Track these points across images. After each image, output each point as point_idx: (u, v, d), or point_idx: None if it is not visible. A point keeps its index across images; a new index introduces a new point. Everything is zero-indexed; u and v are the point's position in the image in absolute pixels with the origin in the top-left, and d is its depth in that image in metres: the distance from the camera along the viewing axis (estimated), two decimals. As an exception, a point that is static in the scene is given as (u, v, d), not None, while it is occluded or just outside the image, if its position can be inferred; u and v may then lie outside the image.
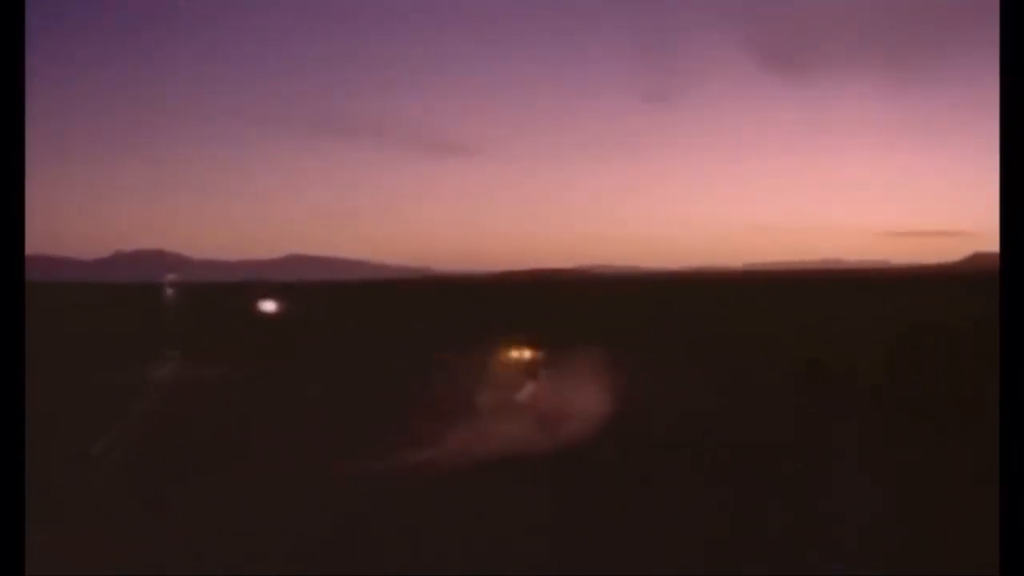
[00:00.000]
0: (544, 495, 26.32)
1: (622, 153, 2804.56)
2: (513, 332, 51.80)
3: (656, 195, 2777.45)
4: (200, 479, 28.28)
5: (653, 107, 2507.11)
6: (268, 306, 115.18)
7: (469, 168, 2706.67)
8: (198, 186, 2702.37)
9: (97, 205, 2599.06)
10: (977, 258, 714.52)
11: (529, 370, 40.24)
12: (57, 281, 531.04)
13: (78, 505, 25.50)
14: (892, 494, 25.48)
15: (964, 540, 20.70)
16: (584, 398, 38.44)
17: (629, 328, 76.36)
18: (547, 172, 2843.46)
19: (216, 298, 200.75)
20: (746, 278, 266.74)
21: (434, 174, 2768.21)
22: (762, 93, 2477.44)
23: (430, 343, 74.36)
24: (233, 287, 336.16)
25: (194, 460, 31.24)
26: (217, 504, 25.22)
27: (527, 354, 40.63)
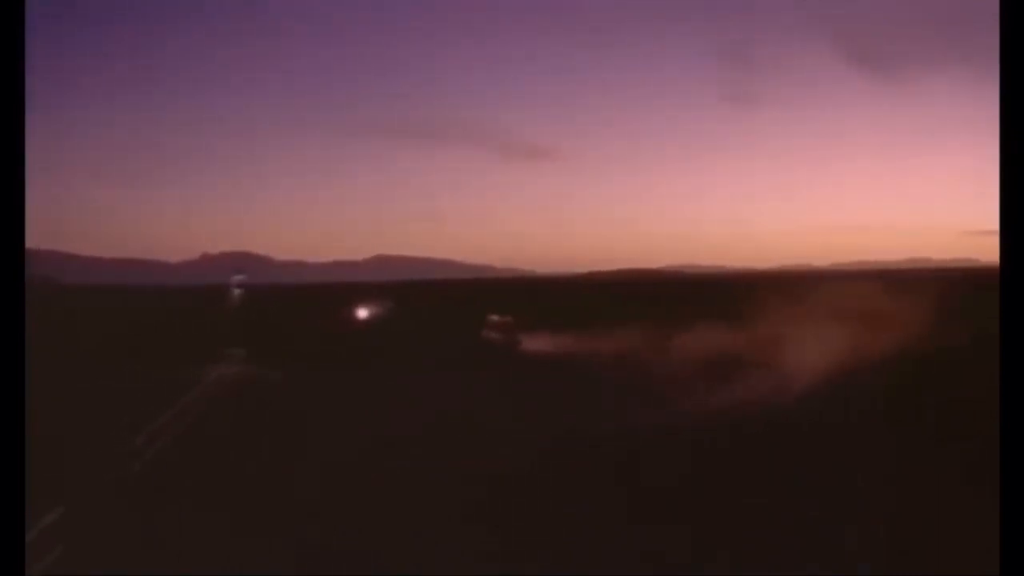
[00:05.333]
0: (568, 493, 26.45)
1: (706, 154, 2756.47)
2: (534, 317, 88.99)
3: (738, 195, 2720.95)
4: (238, 476, 28.58)
5: (733, 107, 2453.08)
6: (350, 308, 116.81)
7: (553, 170, 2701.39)
8: (284, 189, 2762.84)
9: (184, 208, 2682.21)
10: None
11: (500, 327, 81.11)
12: (143, 284, 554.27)
13: (114, 491, 26.37)
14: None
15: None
16: (529, 345, 75.64)
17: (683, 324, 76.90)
18: (629, 174, 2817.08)
19: (295, 300, 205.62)
20: (833, 277, 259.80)
21: (518, 177, 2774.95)
22: (845, 92, 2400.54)
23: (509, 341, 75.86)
24: (318, 288, 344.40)
25: (234, 457, 31.64)
26: (248, 501, 25.48)
27: (502, 319, 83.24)
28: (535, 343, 77.50)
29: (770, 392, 44.74)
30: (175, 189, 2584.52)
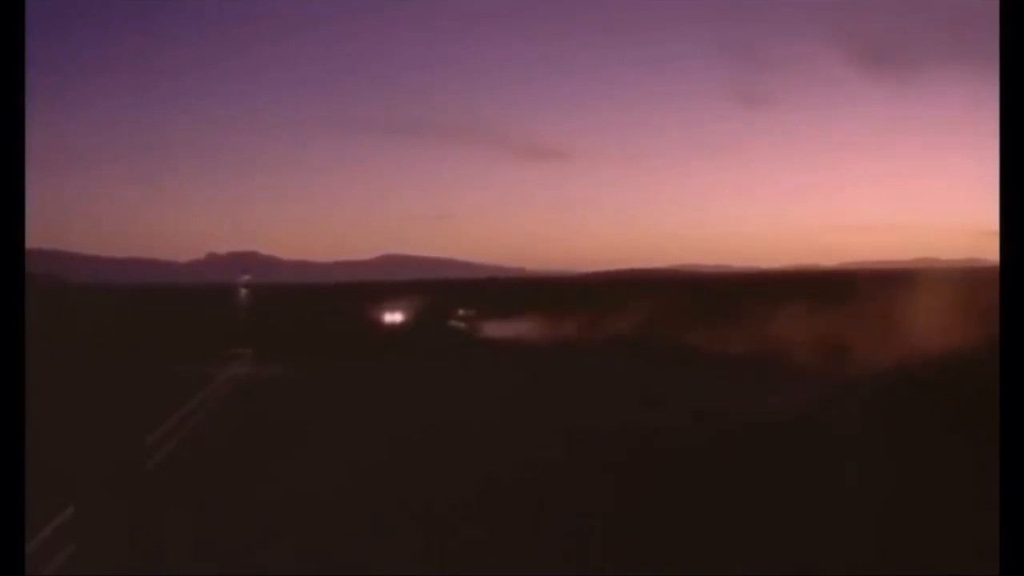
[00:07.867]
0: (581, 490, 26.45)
1: (716, 155, 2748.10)
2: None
3: (749, 196, 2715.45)
4: (243, 478, 28.60)
5: (746, 109, 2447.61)
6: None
7: (563, 170, 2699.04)
8: (292, 188, 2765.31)
9: (190, 208, 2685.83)
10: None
11: (462, 317, 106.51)
12: (149, 284, 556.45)
13: (126, 490, 26.48)
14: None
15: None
16: (492, 332, 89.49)
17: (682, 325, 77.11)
18: (638, 174, 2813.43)
19: (302, 299, 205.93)
20: (843, 276, 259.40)
21: (526, 177, 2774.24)
22: (854, 93, 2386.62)
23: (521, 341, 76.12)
24: (326, 288, 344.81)
25: (243, 457, 31.70)
26: (256, 502, 25.50)
27: (467, 312, 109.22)
28: (538, 342, 77.61)
29: (772, 391, 44.67)
30: (181, 189, 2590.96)
